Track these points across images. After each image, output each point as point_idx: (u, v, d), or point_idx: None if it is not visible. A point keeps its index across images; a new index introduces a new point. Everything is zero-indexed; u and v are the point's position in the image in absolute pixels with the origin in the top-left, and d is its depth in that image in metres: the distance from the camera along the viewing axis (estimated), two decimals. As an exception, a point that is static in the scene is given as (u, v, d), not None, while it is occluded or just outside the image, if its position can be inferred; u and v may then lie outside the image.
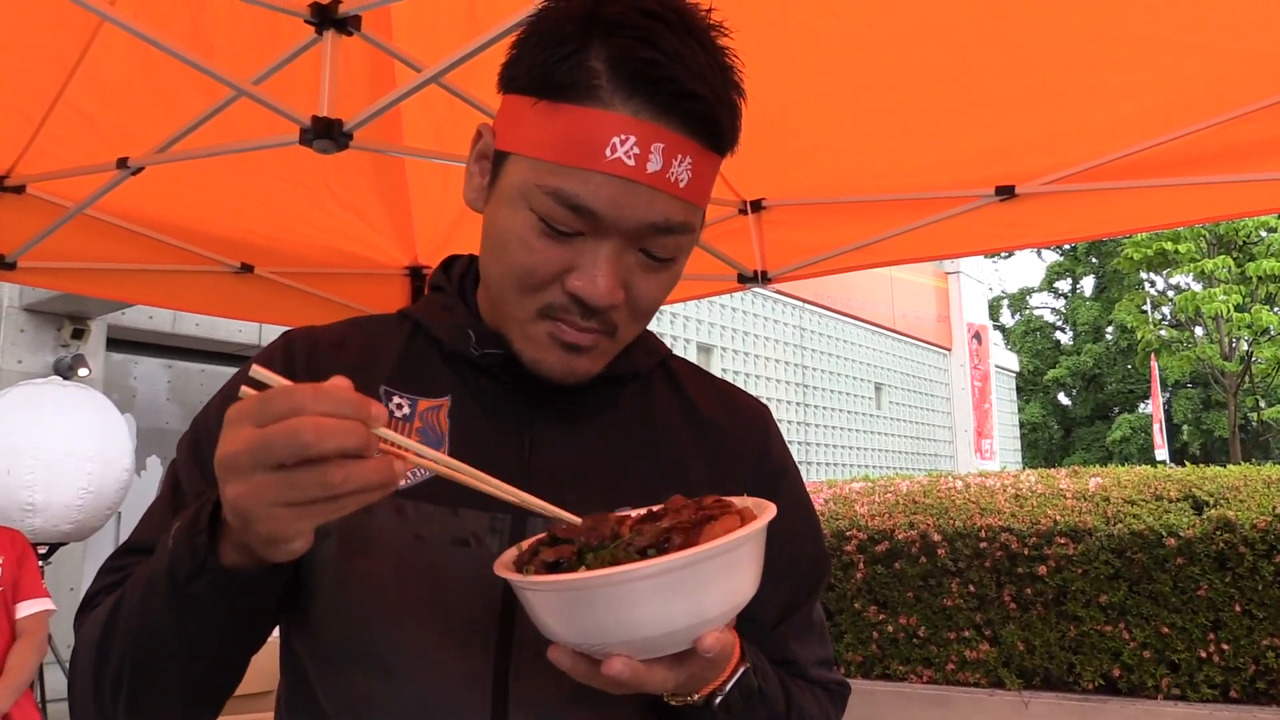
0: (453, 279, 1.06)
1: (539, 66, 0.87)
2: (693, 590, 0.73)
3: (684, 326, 13.51)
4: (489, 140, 0.95)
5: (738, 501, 0.81)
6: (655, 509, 0.82)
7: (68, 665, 0.96)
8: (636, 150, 0.84)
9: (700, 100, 0.85)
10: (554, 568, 0.76)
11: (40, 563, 4.96)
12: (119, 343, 8.19)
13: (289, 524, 0.69)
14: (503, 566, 0.79)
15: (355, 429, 0.67)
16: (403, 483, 0.93)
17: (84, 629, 0.92)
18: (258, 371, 0.70)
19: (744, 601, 0.78)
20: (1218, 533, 5.24)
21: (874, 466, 17.48)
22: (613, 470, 0.99)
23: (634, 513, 0.83)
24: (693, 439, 1.05)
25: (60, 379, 5.67)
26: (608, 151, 0.83)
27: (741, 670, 0.87)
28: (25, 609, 3.50)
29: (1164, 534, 5.34)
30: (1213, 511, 5.33)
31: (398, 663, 0.90)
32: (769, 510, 0.79)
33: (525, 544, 0.81)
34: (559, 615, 0.75)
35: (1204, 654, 5.26)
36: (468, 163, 0.98)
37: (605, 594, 0.72)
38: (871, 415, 18.09)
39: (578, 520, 0.81)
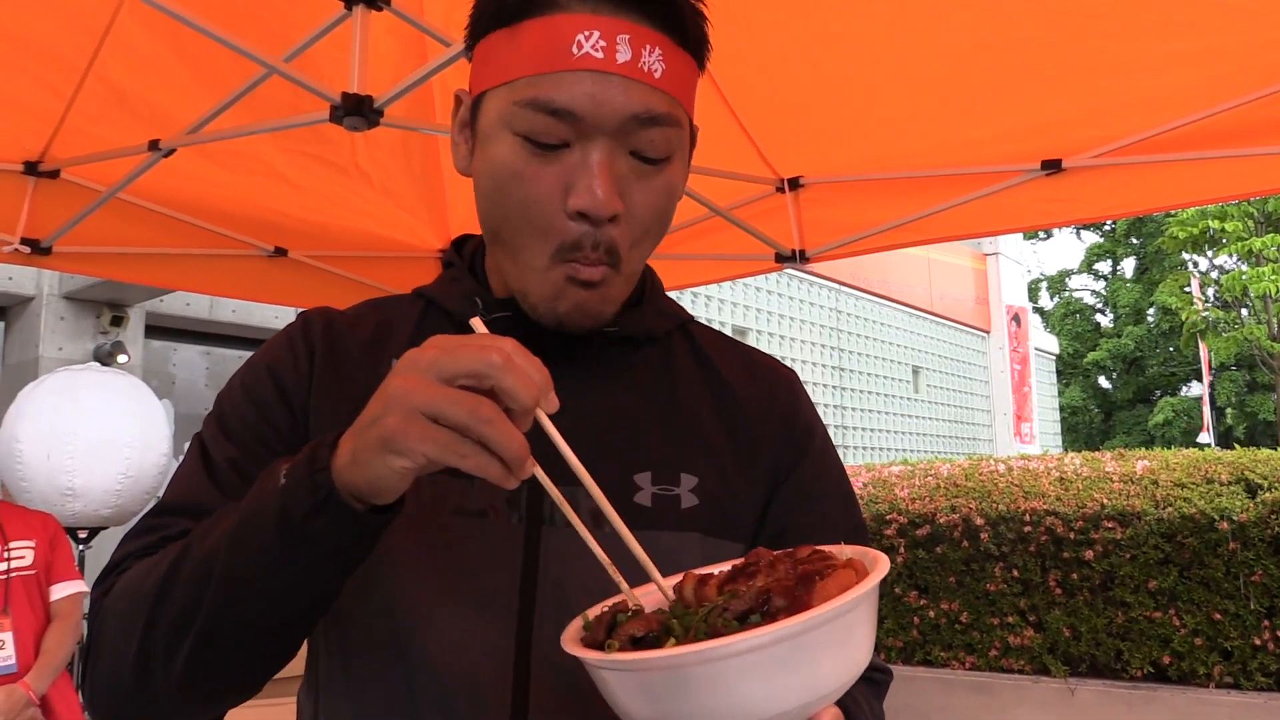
0: (464, 255, 1.07)
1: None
2: (808, 662, 0.62)
3: (719, 309, 13.44)
4: (466, 103, 0.96)
5: (834, 550, 0.71)
6: (739, 563, 0.72)
7: (86, 631, 0.91)
8: (603, 43, 0.85)
9: None
10: (639, 643, 0.66)
11: (80, 547, 5.02)
12: (157, 329, 8.27)
13: (414, 437, 0.68)
14: (572, 643, 0.70)
15: (533, 387, 0.69)
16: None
17: (116, 590, 0.88)
18: (477, 323, 0.75)
19: (860, 671, 0.67)
20: (1273, 516, 5.10)
21: (912, 450, 17.33)
22: (630, 432, 0.98)
23: (717, 570, 0.73)
24: (714, 403, 1.03)
25: (99, 365, 5.72)
26: (574, 49, 0.84)
27: None
28: (59, 591, 3.53)
29: (1216, 518, 5.21)
30: (1267, 495, 5.19)
31: (416, 631, 0.89)
32: (882, 562, 0.68)
33: (591, 613, 0.73)
34: (648, 699, 0.64)
35: (1258, 641, 5.13)
36: (451, 134, 0.99)
37: (706, 672, 0.61)
38: (909, 399, 17.93)
39: (670, 591, 0.73)
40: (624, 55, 0.85)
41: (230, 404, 0.99)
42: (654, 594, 0.75)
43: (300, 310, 1.06)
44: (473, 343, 0.70)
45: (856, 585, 0.64)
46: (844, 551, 0.70)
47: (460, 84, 2.94)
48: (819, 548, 0.72)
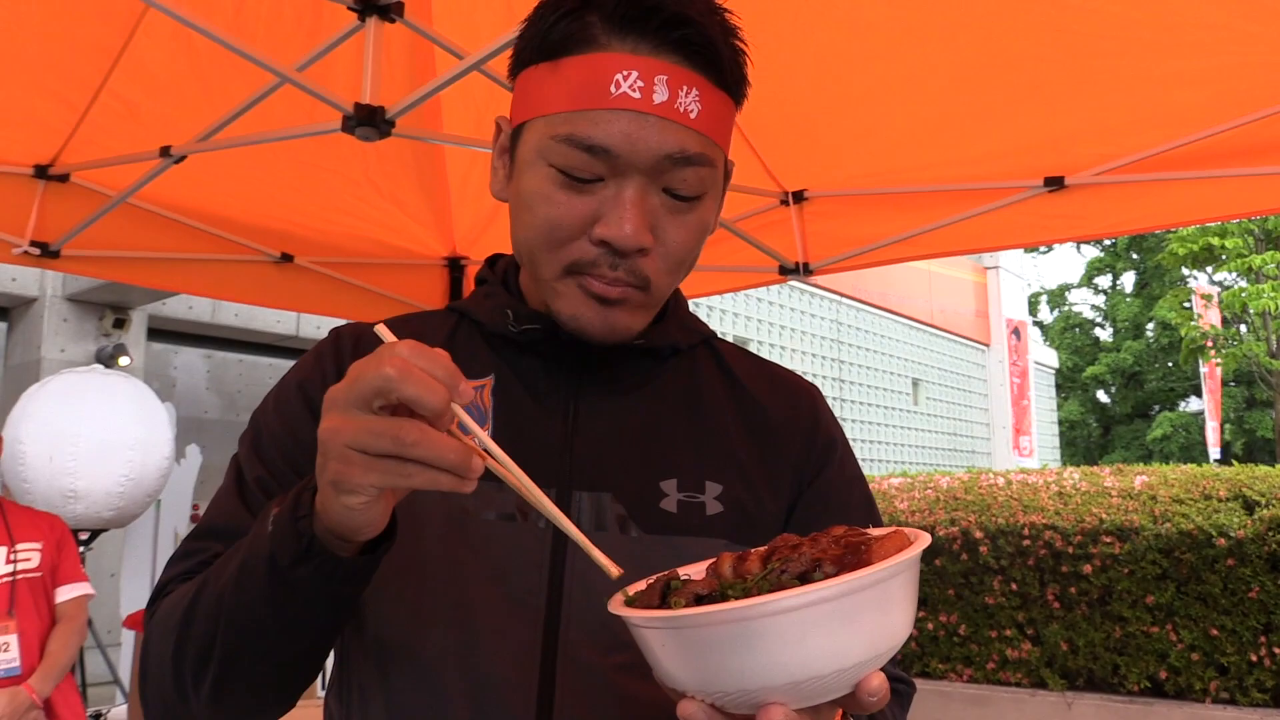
0: (497, 272, 1.09)
1: (540, 34, 0.92)
2: (870, 617, 0.62)
3: (720, 320, 13.46)
4: (506, 130, 0.98)
5: (874, 531, 0.70)
6: (770, 546, 0.71)
7: (139, 650, 0.96)
8: (640, 84, 0.86)
9: (691, 25, 0.88)
10: (704, 602, 0.65)
11: (82, 549, 5.02)
12: (159, 332, 8.28)
13: (356, 473, 0.69)
14: (622, 606, 0.69)
15: (438, 387, 0.67)
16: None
17: (159, 614, 0.93)
18: (380, 330, 0.74)
19: (907, 633, 0.68)
20: (1270, 533, 5.12)
21: (911, 463, 17.34)
22: (656, 442, 1.00)
23: (752, 554, 0.71)
24: (738, 414, 1.05)
25: (102, 368, 5.73)
26: (612, 88, 0.86)
27: None
28: (65, 593, 3.53)
29: (1214, 534, 5.23)
30: (1265, 511, 5.21)
31: (446, 631, 0.91)
32: (925, 535, 0.68)
33: (631, 589, 0.73)
34: (708, 660, 0.63)
35: (1255, 657, 5.15)
36: (492, 159, 1.01)
37: (775, 625, 0.60)
38: (909, 411, 17.94)
39: (614, 568, 0.70)
40: (661, 96, 0.86)
41: (263, 422, 1.01)
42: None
43: (332, 328, 1.07)
44: (370, 361, 0.68)
45: (912, 544, 0.65)
46: (874, 532, 0.70)
47: (472, 93, 2.96)
48: (854, 527, 0.72)
